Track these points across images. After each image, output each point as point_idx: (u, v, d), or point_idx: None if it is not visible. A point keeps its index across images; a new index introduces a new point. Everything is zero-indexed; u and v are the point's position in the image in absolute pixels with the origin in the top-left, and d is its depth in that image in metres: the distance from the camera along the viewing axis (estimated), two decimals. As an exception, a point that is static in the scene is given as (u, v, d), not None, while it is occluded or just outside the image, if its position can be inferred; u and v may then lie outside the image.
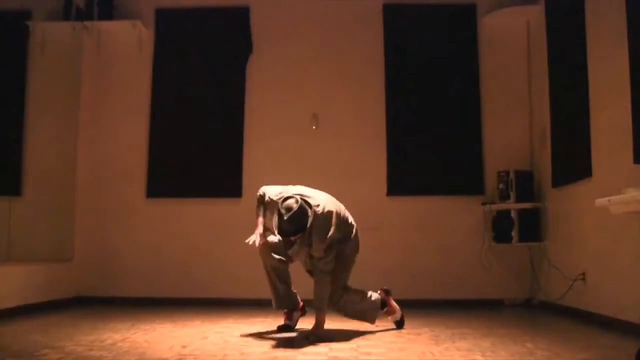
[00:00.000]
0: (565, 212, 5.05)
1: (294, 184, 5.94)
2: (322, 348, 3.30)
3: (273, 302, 4.02)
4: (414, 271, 5.79)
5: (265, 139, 6.06)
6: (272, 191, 3.91)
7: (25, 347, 3.27)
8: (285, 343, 3.51)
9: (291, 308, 4.05)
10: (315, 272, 3.69)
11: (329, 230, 3.59)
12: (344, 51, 6.15)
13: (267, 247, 3.82)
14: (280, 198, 3.65)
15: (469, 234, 5.82)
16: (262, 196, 3.95)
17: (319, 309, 3.67)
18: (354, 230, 3.93)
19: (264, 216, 3.91)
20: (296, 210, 3.46)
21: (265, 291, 5.93)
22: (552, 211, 5.37)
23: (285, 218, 3.45)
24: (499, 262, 5.80)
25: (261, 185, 5.91)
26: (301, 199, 3.57)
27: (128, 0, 6.20)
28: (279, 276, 3.92)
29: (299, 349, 3.29)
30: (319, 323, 3.66)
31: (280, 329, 3.98)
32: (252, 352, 3.16)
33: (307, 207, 3.54)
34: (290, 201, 3.51)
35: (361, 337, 3.70)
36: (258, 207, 3.96)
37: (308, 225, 3.49)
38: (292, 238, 3.54)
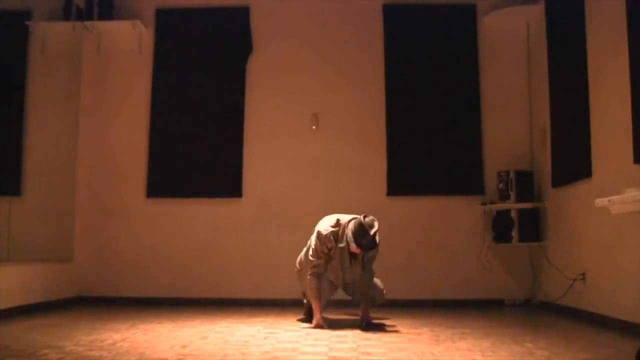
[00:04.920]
0: (565, 212, 5.05)
1: (293, 183, 5.99)
2: (322, 348, 3.30)
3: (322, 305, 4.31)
4: (414, 271, 5.79)
5: (265, 138, 6.06)
6: (326, 227, 4.22)
7: (25, 347, 3.27)
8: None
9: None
10: (366, 274, 4.25)
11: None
12: (344, 51, 6.15)
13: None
14: (342, 225, 4.15)
15: (469, 234, 5.82)
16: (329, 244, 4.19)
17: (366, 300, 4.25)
18: None
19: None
20: (378, 227, 4.00)
21: (265, 291, 5.94)
22: (552, 211, 5.37)
23: (371, 233, 3.95)
24: (499, 262, 5.80)
25: (261, 185, 5.98)
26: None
27: (128, 0, 6.21)
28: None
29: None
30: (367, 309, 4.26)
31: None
32: (252, 352, 3.16)
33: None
34: (371, 219, 4.04)
35: (361, 337, 3.70)
36: (317, 276, 4.22)
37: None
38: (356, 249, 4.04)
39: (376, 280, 4.37)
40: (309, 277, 4.20)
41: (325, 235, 4.14)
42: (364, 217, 4.04)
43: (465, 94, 6.06)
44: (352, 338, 3.67)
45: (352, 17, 6.19)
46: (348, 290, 4.45)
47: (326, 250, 4.16)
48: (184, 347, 3.33)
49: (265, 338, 3.68)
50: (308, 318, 4.40)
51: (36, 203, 5.62)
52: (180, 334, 3.84)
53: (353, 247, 4.03)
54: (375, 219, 4.05)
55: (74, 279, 5.74)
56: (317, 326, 4.10)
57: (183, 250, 5.94)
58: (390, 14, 6.15)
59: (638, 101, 3.78)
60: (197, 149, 6.11)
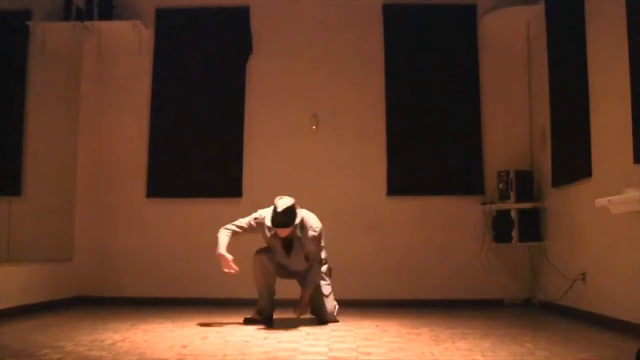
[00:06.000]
0: (565, 212, 5.05)
1: (293, 183, 5.99)
2: (322, 348, 3.30)
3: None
4: (414, 271, 5.79)
5: (265, 138, 6.07)
6: (244, 220, 4.45)
7: (25, 347, 3.26)
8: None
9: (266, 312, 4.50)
10: (313, 271, 4.37)
11: (321, 243, 4.38)
12: (344, 51, 6.15)
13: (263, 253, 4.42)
14: (260, 218, 4.32)
15: (469, 234, 5.82)
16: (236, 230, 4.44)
17: (309, 289, 4.33)
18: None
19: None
20: (290, 205, 4.10)
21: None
22: (552, 211, 5.37)
23: (279, 210, 4.07)
24: (499, 262, 5.80)
25: (261, 185, 5.98)
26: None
27: (128, 0, 6.21)
28: (266, 280, 4.43)
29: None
30: (307, 298, 4.33)
31: (247, 321, 4.42)
32: (252, 352, 3.16)
33: (296, 207, 4.18)
34: (285, 198, 4.15)
35: (361, 337, 3.70)
36: (224, 236, 4.45)
37: (297, 220, 4.13)
38: (285, 231, 4.13)
39: (328, 302, 4.43)
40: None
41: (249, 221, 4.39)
42: (280, 197, 4.18)
43: (465, 94, 6.06)
44: (352, 338, 3.67)
45: (352, 17, 6.19)
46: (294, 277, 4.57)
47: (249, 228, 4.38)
48: (184, 347, 3.33)
49: (265, 338, 3.68)
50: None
51: (36, 203, 5.61)
52: (180, 334, 3.84)
53: (269, 226, 4.16)
54: (290, 198, 4.16)
55: (74, 279, 5.74)
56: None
57: (183, 250, 5.94)
58: (390, 14, 6.15)
59: (638, 101, 3.78)
60: (197, 149, 6.11)
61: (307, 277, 4.35)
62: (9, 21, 5.82)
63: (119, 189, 6.07)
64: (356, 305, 5.37)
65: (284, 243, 4.30)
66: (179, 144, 6.13)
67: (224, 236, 4.35)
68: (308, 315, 4.49)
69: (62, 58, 5.96)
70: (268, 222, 4.14)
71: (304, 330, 4.01)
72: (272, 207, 4.19)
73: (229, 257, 4.24)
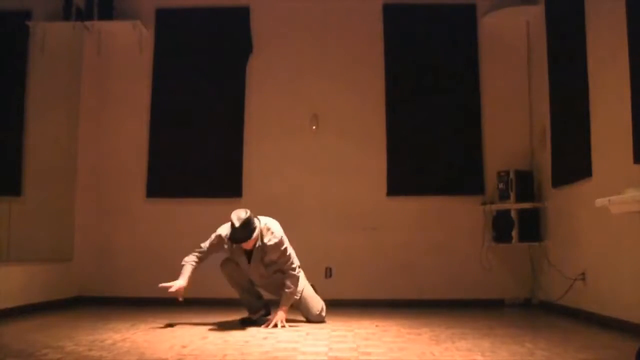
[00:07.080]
0: (565, 212, 5.05)
1: (293, 183, 6.00)
2: (322, 348, 3.30)
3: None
4: (413, 271, 5.79)
5: (265, 138, 6.07)
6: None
7: (25, 347, 3.27)
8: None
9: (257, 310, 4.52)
10: (286, 273, 4.29)
11: (287, 249, 4.26)
12: (344, 51, 6.15)
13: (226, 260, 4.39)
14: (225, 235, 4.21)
15: (469, 234, 5.82)
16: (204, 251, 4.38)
17: (284, 300, 4.26)
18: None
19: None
20: (246, 218, 4.04)
21: (264, 291, 5.92)
22: (552, 211, 5.37)
23: (237, 225, 4.01)
24: (499, 262, 5.80)
25: (261, 185, 5.99)
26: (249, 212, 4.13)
27: (128, 0, 6.21)
28: (240, 284, 4.44)
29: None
30: (282, 309, 4.24)
31: (243, 322, 4.41)
32: (252, 352, 3.16)
33: (253, 217, 4.13)
34: (240, 211, 4.09)
35: (361, 337, 3.70)
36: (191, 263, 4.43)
37: (256, 232, 4.09)
38: (245, 245, 4.11)
39: (312, 302, 4.42)
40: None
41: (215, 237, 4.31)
42: (235, 211, 4.11)
43: (465, 94, 6.06)
44: (352, 338, 3.67)
45: (352, 17, 6.19)
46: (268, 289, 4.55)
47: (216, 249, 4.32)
48: (184, 347, 3.33)
49: (265, 338, 3.68)
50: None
51: (36, 203, 5.62)
52: (180, 334, 3.85)
53: (230, 242, 4.16)
54: (245, 210, 4.10)
55: (74, 279, 5.74)
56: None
57: (183, 250, 5.88)
58: (390, 14, 6.15)
59: (638, 101, 3.78)
60: (197, 149, 6.11)
61: (283, 289, 4.27)
62: (9, 21, 5.83)
63: (119, 189, 6.07)
64: (356, 305, 5.37)
65: (246, 253, 4.26)
66: (179, 144, 6.13)
67: (187, 266, 4.34)
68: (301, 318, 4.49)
69: (62, 58, 5.97)
70: (228, 237, 4.12)
71: (304, 330, 4.01)
72: (229, 223, 4.13)
73: (179, 285, 4.28)
